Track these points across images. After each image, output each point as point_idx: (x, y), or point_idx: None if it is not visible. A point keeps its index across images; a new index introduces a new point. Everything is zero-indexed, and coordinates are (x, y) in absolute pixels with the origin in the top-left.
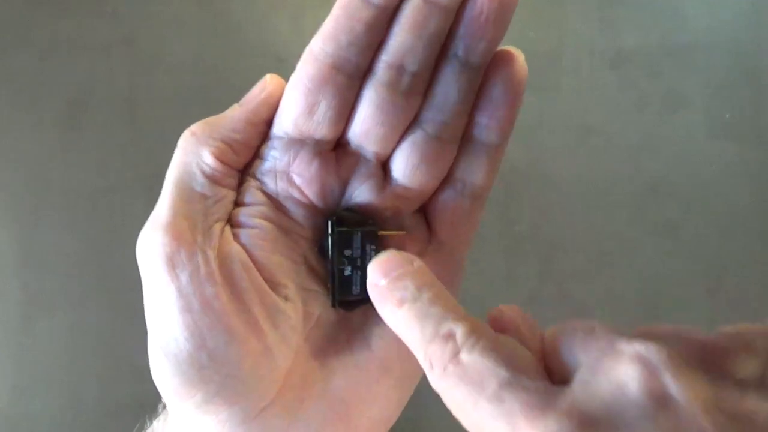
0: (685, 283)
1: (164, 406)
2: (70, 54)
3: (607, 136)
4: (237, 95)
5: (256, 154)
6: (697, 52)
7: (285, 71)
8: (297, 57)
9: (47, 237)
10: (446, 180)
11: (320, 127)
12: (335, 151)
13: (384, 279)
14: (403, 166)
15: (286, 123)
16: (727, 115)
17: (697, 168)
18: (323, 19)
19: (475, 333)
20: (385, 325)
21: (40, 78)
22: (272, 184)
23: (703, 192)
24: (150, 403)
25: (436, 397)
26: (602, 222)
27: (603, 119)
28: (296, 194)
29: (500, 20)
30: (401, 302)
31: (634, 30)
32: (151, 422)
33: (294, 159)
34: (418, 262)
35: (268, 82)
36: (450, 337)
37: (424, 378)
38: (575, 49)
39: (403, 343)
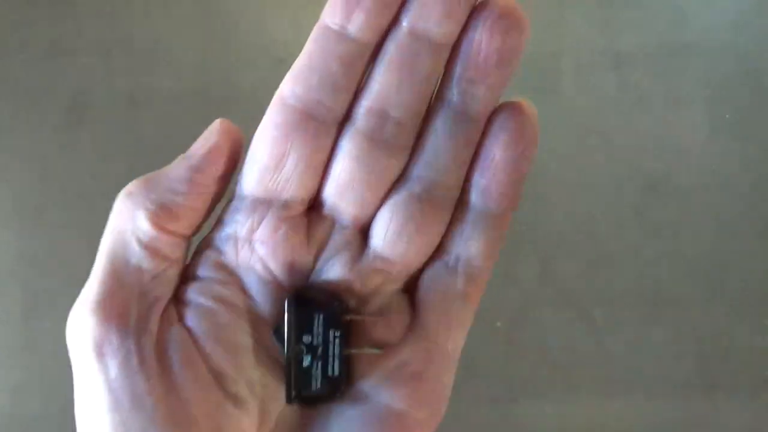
0: (685, 283)
1: None
2: (70, 54)
3: (607, 136)
4: (237, 95)
5: (218, 219)
6: (697, 52)
7: (285, 71)
8: (297, 57)
9: (47, 237)
10: (436, 254)
11: (289, 185)
12: (307, 215)
13: None
14: (383, 233)
15: (249, 180)
16: (727, 115)
17: (697, 168)
18: None
19: None
20: (354, 425)
21: (40, 78)
22: (232, 254)
23: (703, 192)
24: None
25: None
26: (602, 222)
27: (603, 119)
28: (258, 267)
29: (504, 61)
30: None
31: (634, 30)
32: None
33: (258, 223)
34: None
35: (216, 129)
36: None
37: None
38: (575, 49)
39: None
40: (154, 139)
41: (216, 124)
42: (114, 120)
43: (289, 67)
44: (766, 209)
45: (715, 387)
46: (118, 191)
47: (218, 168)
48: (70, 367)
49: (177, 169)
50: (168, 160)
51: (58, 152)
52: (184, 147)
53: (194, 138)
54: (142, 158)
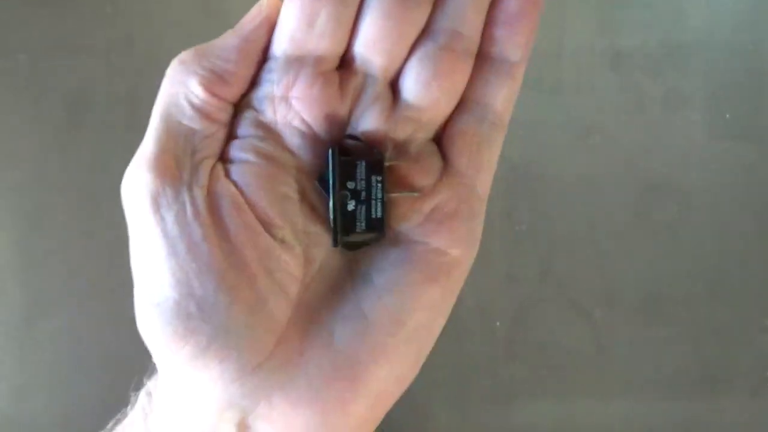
0: (685, 283)
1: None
2: (70, 54)
3: (607, 136)
4: None
5: (253, 81)
6: (697, 52)
7: None
8: None
9: (47, 237)
10: (461, 103)
11: (321, 41)
12: (339, 71)
13: None
14: (413, 83)
15: (283, 40)
16: (727, 115)
17: (697, 168)
18: None
19: None
20: (396, 268)
21: (40, 78)
22: (270, 112)
23: (703, 192)
24: None
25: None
26: (602, 222)
27: (603, 119)
28: (296, 122)
29: None
30: None
31: (634, 30)
32: (146, 380)
33: (293, 81)
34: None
35: (265, 4)
36: None
37: (428, 377)
38: (575, 49)
39: (420, 290)
40: None
41: (264, 0)
42: (114, 120)
43: None
44: (766, 209)
45: (715, 387)
46: (118, 191)
47: (266, 38)
48: (70, 367)
49: (228, 39)
50: None
51: (58, 152)
52: None
53: None
54: None
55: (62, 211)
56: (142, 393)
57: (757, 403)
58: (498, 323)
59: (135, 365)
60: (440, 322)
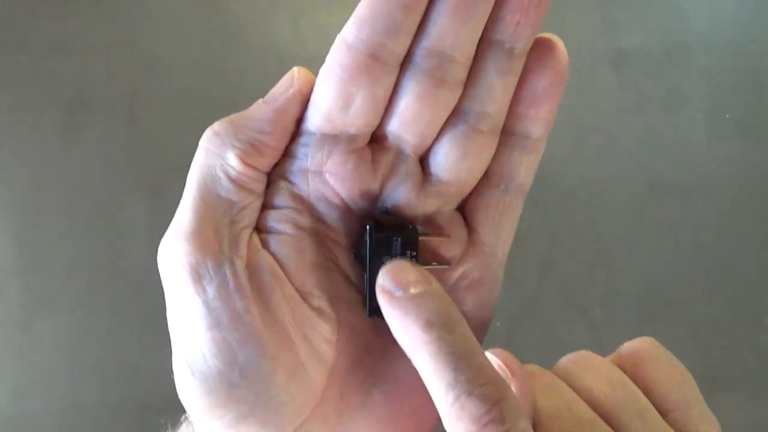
0: (685, 282)
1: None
2: (70, 54)
3: (607, 136)
4: (236, 95)
5: (286, 153)
6: (697, 52)
7: (284, 71)
8: (297, 57)
9: (47, 237)
10: (486, 176)
11: (356, 121)
12: (370, 146)
13: (401, 290)
14: (443, 161)
15: (318, 118)
16: (727, 115)
17: (697, 168)
18: (323, 20)
19: (519, 411)
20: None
21: (40, 78)
22: (304, 185)
23: (703, 192)
24: (150, 403)
25: None
26: (602, 222)
27: (603, 119)
28: (330, 195)
29: (544, 3)
30: (430, 326)
31: (634, 30)
32: (173, 428)
33: (328, 157)
34: (437, 285)
35: (297, 76)
36: (493, 403)
37: None
38: (575, 49)
39: None
40: (154, 139)
41: (295, 71)
42: (114, 120)
43: (289, 68)
44: (766, 209)
45: (715, 387)
46: (118, 191)
47: (299, 110)
48: (70, 367)
49: (262, 111)
50: (168, 159)
51: (58, 152)
52: (184, 146)
53: (194, 138)
54: (142, 158)
55: (62, 211)
56: None
57: (757, 403)
58: (498, 323)
59: (134, 365)
60: None
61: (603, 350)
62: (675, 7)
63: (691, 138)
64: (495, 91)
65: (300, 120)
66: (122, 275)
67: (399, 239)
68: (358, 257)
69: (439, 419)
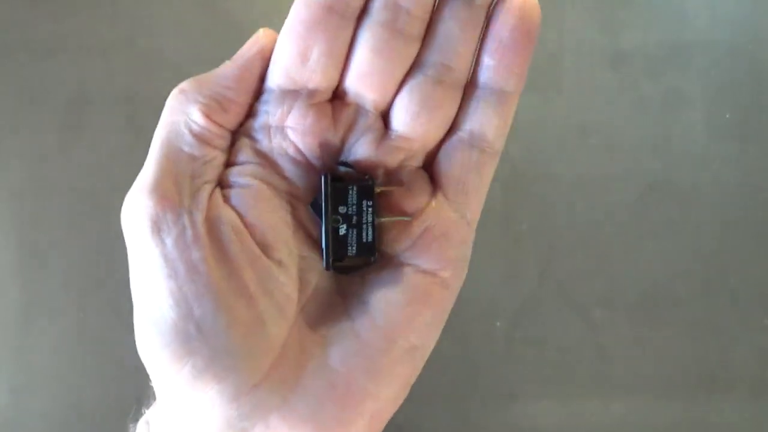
0: (685, 282)
1: (154, 393)
2: (70, 54)
3: (607, 136)
4: None
5: (251, 112)
6: (697, 52)
7: None
8: None
9: (47, 237)
10: (452, 131)
11: (314, 75)
12: (331, 102)
13: None
14: (402, 114)
15: (278, 73)
16: (727, 115)
17: (697, 168)
18: None
19: None
20: (388, 290)
21: (40, 78)
22: (266, 141)
23: (703, 192)
24: (150, 403)
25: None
26: (602, 222)
27: (603, 119)
28: (291, 150)
29: None
30: None
31: (634, 30)
32: (144, 410)
33: (288, 112)
34: None
35: (261, 35)
36: None
37: (428, 377)
38: (575, 49)
39: (411, 312)
40: None
41: (261, 31)
42: (114, 120)
43: None
44: (766, 209)
45: (715, 387)
46: (118, 191)
47: (263, 68)
48: (70, 367)
49: (226, 68)
50: None
51: (58, 152)
52: None
53: None
54: (142, 158)
55: (62, 211)
56: (141, 422)
57: (757, 403)
58: (498, 323)
59: (134, 365)
60: (430, 343)
61: (603, 350)
62: (675, 7)
63: (691, 138)
64: (454, 41)
65: (263, 78)
66: (122, 275)
67: (354, 187)
68: (315, 207)
69: (404, 393)
